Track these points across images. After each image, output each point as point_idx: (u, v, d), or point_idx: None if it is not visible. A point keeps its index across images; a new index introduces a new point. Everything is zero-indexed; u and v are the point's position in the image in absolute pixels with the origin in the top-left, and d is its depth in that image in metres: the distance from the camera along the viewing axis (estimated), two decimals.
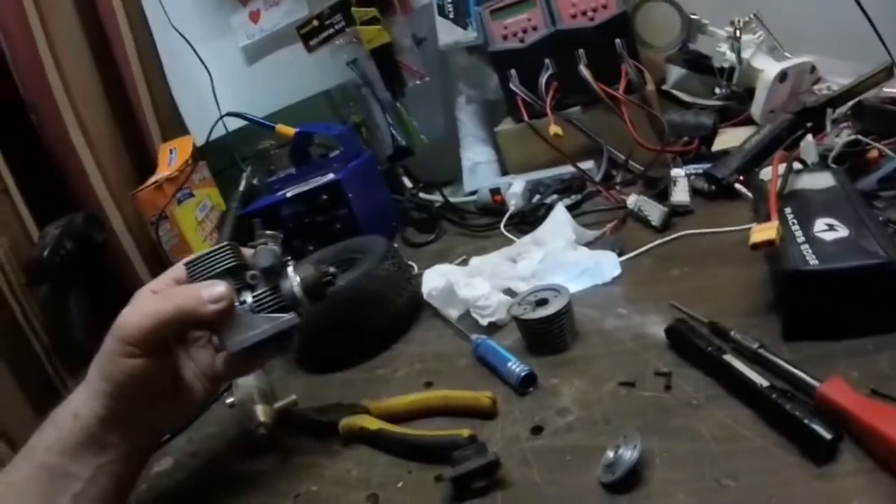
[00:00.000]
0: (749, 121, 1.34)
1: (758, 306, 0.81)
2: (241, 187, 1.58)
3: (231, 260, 0.78)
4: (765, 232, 0.74)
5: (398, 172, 1.72)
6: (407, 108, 1.75)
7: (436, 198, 1.63)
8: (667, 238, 1.07)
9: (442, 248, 1.44)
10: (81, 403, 0.74)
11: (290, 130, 1.56)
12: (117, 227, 1.71)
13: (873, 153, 1.01)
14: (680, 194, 1.15)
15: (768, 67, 1.30)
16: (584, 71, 1.37)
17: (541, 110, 1.41)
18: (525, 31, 1.45)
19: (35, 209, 1.57)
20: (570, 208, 1.21)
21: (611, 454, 0.64)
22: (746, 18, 1.33)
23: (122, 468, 0.75)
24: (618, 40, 1.37)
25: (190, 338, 0.83)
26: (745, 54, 1.33)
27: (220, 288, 0.75)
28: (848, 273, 0.68)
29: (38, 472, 0.72)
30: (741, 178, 1.12)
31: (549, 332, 0.88)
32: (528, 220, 1.32)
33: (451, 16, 1.58)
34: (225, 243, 0.80)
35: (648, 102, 1.37)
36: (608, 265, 1.02)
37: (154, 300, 0.76)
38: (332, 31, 1.70)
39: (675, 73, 1.51)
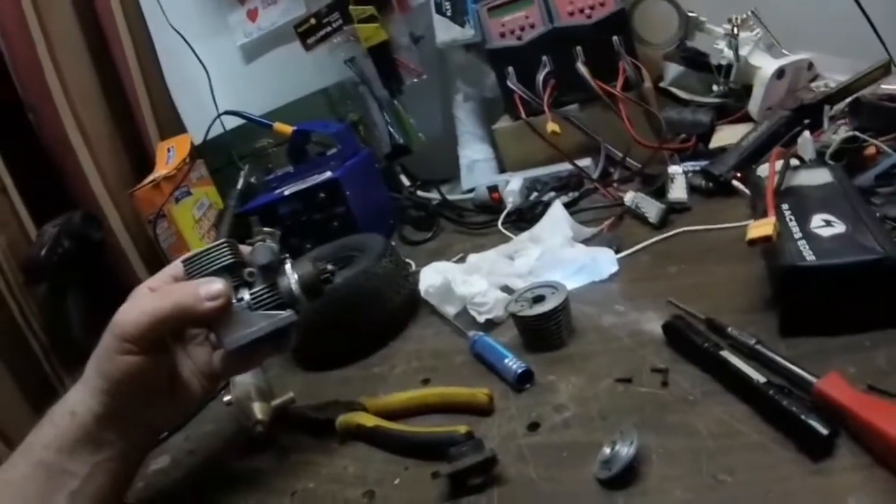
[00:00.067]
0: (746, 118, 1.34)
1: (755, 303, 0.81)
2: (239, 185, 1.59)
3: (229, 257, 0.78)
4: (761, 228, 0.74)
5: (396, 170, 1.72)
6: (404, 106, 1.75)
7: (433, 196, 1.63)
8: (664, 235, 1.07)
9: (440, 245, 1.43)
10: (79, 401, 0.73)
11: (288, 129, 1.56)
12: (115, 226, 1.71)
13: (871, 150, 1.01)
14: (677, 191, 1.15)
15: (766, 64, 1.30)
16: (582, 68, 1.37)
17: (538, 108, 1.40)
18: (522, 29, 1.45)
19: (33, 208, 1.57)
20: (567, 205, 1.21)
21: (607, 450, 0.64)
22: (744, 16, 1.33)
23: (120, 466, 0.75)
24: (615, 38, 1.37)
25: (187, 335, 0.83)
26: (743, 51, 1.33)
27: (217, 285, 0.75)
28: (845, 269, 0.68)
29: (36, 469, 0.71)
30: (738, 174, 1.12)
31: (545, 329, 0.87)
32: (525, 217, 1.32)
33: (449, 14, 1.58)
34: (223, 240, 0.80)
35: (646, 100, 1.37)
36: (605, 262, 1.03)
37: (152, 297, 0.76)
38: (329, 29, 1.70)
39: (673, 70, 1.51)
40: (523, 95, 1.43)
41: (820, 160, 1.00)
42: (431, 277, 1.07)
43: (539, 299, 0.90)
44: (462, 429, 0.75)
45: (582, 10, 1.40)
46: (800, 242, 0.72)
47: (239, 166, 1.67)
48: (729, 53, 1.34)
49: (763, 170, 0.90)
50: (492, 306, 0.99)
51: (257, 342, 0.77)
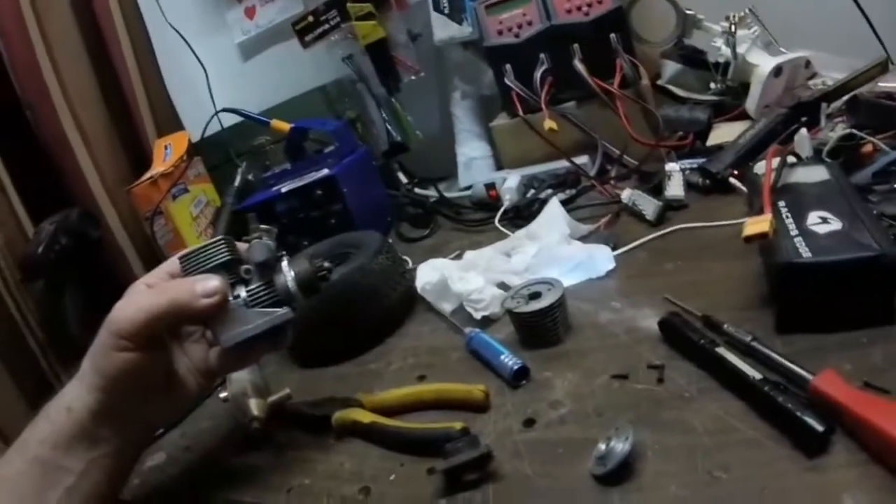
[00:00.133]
0: (744, 115, 1.35)
1: (752, 300, 0.81)
2: (236, 183, 1.58)
3: (225, 254, 0.78)
4: (758, 225, 0.74)
5: (393, 168, 1.73)
6: (402, 103, 1.75)
7: (431, 193, 1.63)
8: (661, 232, 1.07)
9: (436, 242, 1.44)
10: (75, 397, 0.73)
11: (285, 126, 1.55)
12: (112, 224, 1.71)
13: (868, 147, 1.01)
14: (674, 189, 1.15)
15: (763, 62, 1.30)
16: (579, 66, 1.37)
17: (536, 105, 1.40)
18: (520, 26, 1.45)
19: (30, 206, 1.57)
20: (564, 203, 1.21)
21: (602, 446, 0.64)
22: (742, 13, 1.34)
23: (115, 462, 0.75)
24: (613, 35, 1.37)
25: (184, 332, 0.83)
26: (741, 49, 1.33)
27: (213, 282, 0.74)
28: (841, 266, 0.68)
29: (31, 465, 0.71)
30: (735, 172, 1.12)
31: (542, 326, 0.87)
32: (522, 214, 1.31)
33: (447, 11, 1.58)
34: (219, 237, 0.79)
35: (643, 97, 1.37)
36: (602, 259, 1.02)
37: (148, 294, 0.76)
38: (327, 26, 1.70)
39: (671, 68, 1.50)
40: (521, 93, 1.43)
41: (817, 157, 1.00)
42: (428, 274, 1.07)
43: (535, 296, 0.90)
44: (458, 425, 0.75)
45: (579, 8, 1.40)
46: (796, 239, 0.72)
47: (236, 163, 1.67)
48: (726, 51, 1.34)
49: (760, 167, 0.90)
50: (488, 303, 0.99)
51: (254, 339, 0.77)
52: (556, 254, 1.05)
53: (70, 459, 0.72)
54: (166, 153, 1.67)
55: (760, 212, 0.77)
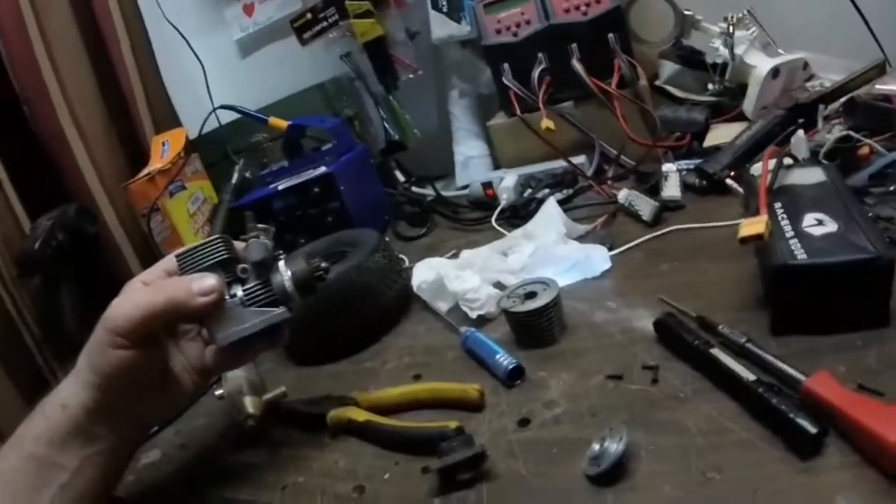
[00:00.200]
0: (741, 117, 1.35)
1: (747, 301, 0.81)
2: (234, 180, 1.58)
3: (223, 253, 0.78)
4: (753, 226, 0.74)
5: (391, 166, 1.73)
6: (400, 101, 1.75)
7: (428, 192, 1.63)
8: (657, 233, 1.07)
9: (433, 241, 1.44)
10: (70, 394, 0.73)
11: (283, 123, 1.55)
12: (109, 221, 1.71)
13: (864, 150, 1.01)
14: (671, 189, 1.16)
15: (761, 64, 1.30)
16: (577, 65, 1.37)
17: (533, 104, 1.40)
18: (518, 26, 1.45)
19: (27, 202, 1.57)
20: (561, 202, 1.21)
21: (596, 447, 0.64)
22: (740, 14, 1.34)
23: (110, 459, 0.75)
24: (611, 35, 1.37)
25: (180, 330, 0.83)
26: (738, 50, 1.33)
27: (210, 281, 0.74)
28: (836, 268, 0.68)
29: (26, 462, 0.71)
30: (732, 173, 1.12)
31: (537, 325, 0.88)
32: (519, 214, 1.31)
33: (445, 10, 1.58)
34: (217, 236, 0.80)
35: (641, 97, 1.37)
36: (598, 259, 1.03)
37: (145, 292, 0.76)
38: (325, 24, 1.70)
39: (668, 68, 1.51)
40: (519, 92, 1.43)
41: (813, 159, 1.00)
42: (424, 273, 1.08)
43: (531, 295, 0.90)
44: (452, 424, 0.75)
45: (578, 7, 1.40)
46: (791, 241, 0.72)
47: (234, 161, 1.66)
48: (724, 52, 1.35)
49: (757, 168, 0.90)
50: (484, 302, 0.99)
51: (249, 338, 0.77)
52: (552, 253, 1.05)
53: (65, 456, 0.72)
54: (164, 150, 1.67)
55: (757, 213, 0.77)
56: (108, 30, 1.79)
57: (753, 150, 1.12)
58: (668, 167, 1.19)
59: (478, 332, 0.94)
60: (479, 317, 0.99)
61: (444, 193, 1.60)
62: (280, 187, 1.46)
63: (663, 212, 1.13)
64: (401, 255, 1.27)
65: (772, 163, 0.87)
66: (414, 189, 1.67)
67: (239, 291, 0.77)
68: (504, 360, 0.84)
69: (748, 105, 1.32)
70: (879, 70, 1.15)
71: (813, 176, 0.87)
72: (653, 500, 0.60)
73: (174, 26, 1.99)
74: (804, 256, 0.69)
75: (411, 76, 1.71)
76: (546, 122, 1.34)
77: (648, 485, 0.61)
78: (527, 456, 0.71)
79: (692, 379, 0.72)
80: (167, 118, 1.92)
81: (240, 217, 1.47)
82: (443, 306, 1.04)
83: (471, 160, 1.68)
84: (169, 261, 0.80)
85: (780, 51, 1.35)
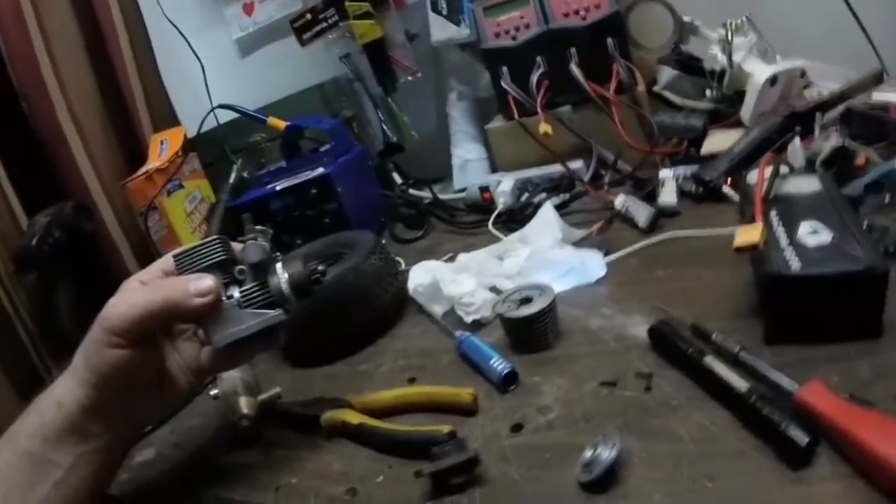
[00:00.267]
0: (739, 124, 1.34)
1: (742, 309, 0.81)
2: (231, 180, 1.58)
3: (220, 254, 0.78)
4: (748, 235, 0.74)
5: (388, 168, 1.73)
6: (398, 103, 1.75)
7: (425, 194, 1.63)
8: (653, 239, 1.07)
9: (430, 244, 1.44)
10: (65, 391, 0.73)
11: (282, 124, 1.55)
12: (107, 218, 1.71)
13: (861, 159, 1.01)
14: (667, 196, 1.16)
15: (759, 71, 1.30)
16: (576, 70, 1.37)
17: (531, 109, 1.41)
18: (517, 29, 1.45)
19: (25, 199, 1.57)
20: (557, 207, 1.21)
21: (588, 453, 0.64)
22: (739, 21, 1.33)
23: (104, 458, 0.75)
24: (609, 40, 1.38)
25: (176, 330, 0.83)
26: (737, 57, 1.33)
27: (207, 281, 0.75)
28: (830, 279, 0.68)
29: (21, 459, 0.72)
30: (729, 180, 1.12)
31: (532, 331, 0.88)
32: (515, 218, 1.32)
33: (445, 12, 1.58)
34: (214, 237, 0.80)
35: (639, 103, 1.37)
36: (594, 265, 1.03)
37: (142, 291, 0.76)
38: (325, 25, 1.70)
39: (667, 74, 1.51)
40: (517, 96, 1.43)
41: (810, 168, 1.00)
42: (420, 276, 1.08)
43: (526, 301, 0.91)
44: (445, 428, 0.76)
45: (577, 12, 1.40)
46: (786, 251, 0.72)
47: (232, 160, 1.67)
48: (722, 59, 1.34)
49: (753, 176, 0.90)
50: (479, 307, 0.99)
51: (245, 340, 0.77)
52: (548, 258, 1.05)
53: (59, 453, 0.72)
54: (162, 148, 1.68)
55: (752, 221, 0.77)
56: (108, 27, 1.79)
57: (750, 157, 1.12)
58: (664, 173, 1.19)
59: (473, 336, 0.94)
60: (475, 321, 0.99)
61: (441, 196, 1.59)
62: (278, 188, 1.46)
63: (659, 218, 1.13)
64: (397, 258, 1.27)
65: (768, 171, 0.87)
66: (411, 191, 1.67)
67: (236, 293, 0.77)
68: (498, 364, 0.84)
69: (746, 112, 1.32)
70: (877, 79, 1.15)
71: (808, 185, 0.87)
72: None
73: (174, 24, 1.99)
74: (798, 267, 0.69)
75: (410, 78, 1.71)
76: (544, 127, 1.34)
77: (640, 492, 0.61)
78: (519, 461, 0.71)
79: (685, 387, 0.72)
80: (166, 117, 1.92)
81: (237, 217, 1.47)
82: (438, 310, 1.05)
83: (468, 163, 1.68)
84: (166, 260, 0.81)
85: (778, 58, 1.35)
